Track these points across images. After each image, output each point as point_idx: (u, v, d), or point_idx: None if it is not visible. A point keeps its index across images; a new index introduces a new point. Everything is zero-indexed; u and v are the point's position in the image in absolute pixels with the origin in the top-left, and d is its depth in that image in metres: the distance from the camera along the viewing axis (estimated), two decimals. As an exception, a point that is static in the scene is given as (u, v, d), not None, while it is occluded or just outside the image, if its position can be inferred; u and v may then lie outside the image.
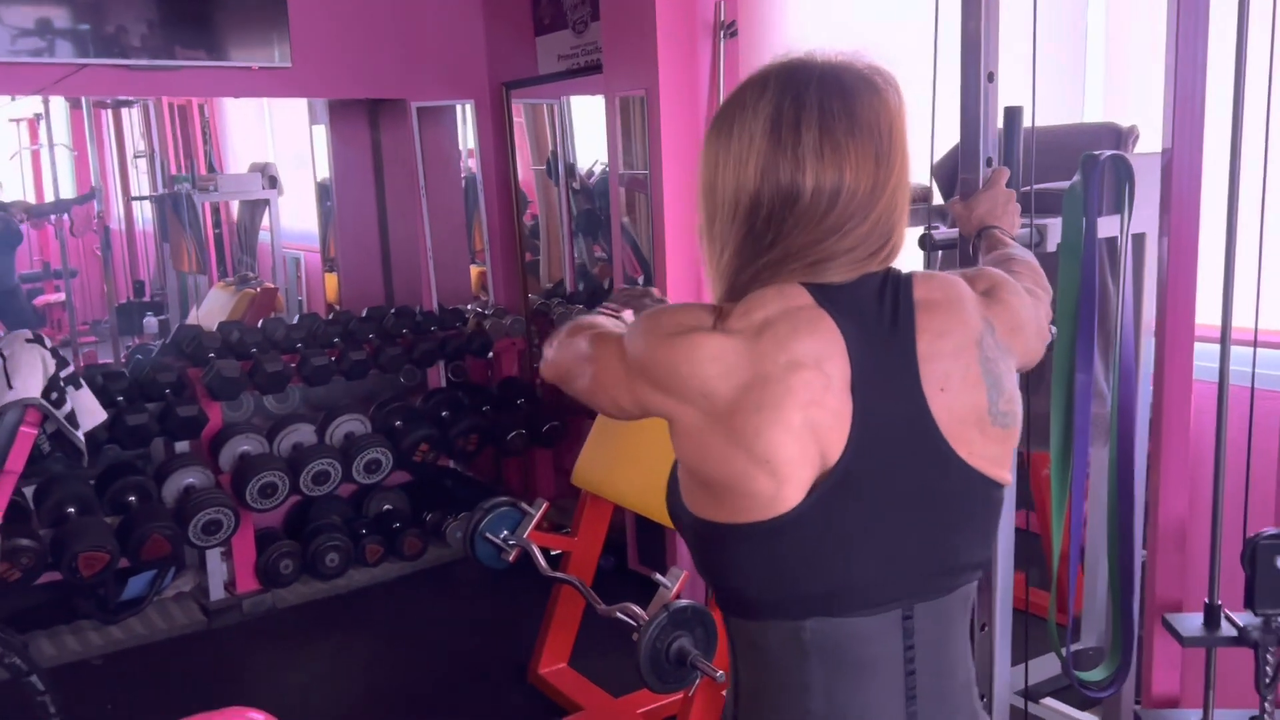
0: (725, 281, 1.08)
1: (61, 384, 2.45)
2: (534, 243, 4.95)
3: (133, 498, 3.62)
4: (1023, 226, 1.86)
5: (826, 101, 1.02)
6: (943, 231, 1.86)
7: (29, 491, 3.52)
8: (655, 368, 1.05)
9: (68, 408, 2.47)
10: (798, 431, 0.99)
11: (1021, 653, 1.97)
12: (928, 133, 1.71)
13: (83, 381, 2.55)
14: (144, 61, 3.90)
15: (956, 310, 1.07)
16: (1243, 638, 1.75)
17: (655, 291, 1.53)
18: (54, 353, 2.45)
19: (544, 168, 4.82)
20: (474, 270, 5.15)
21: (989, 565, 1.14)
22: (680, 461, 1.07)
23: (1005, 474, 1.09)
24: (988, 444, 1.06)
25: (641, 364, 1.07)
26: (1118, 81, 2.45)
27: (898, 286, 1.06)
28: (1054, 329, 1.64)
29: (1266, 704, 1.81)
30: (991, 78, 1.66)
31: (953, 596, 1.09)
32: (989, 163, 1.70)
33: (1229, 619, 1.80)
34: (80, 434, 2.56)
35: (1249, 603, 1.75)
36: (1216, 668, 1.90)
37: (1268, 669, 1.77)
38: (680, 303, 1.09)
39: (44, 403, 2.39)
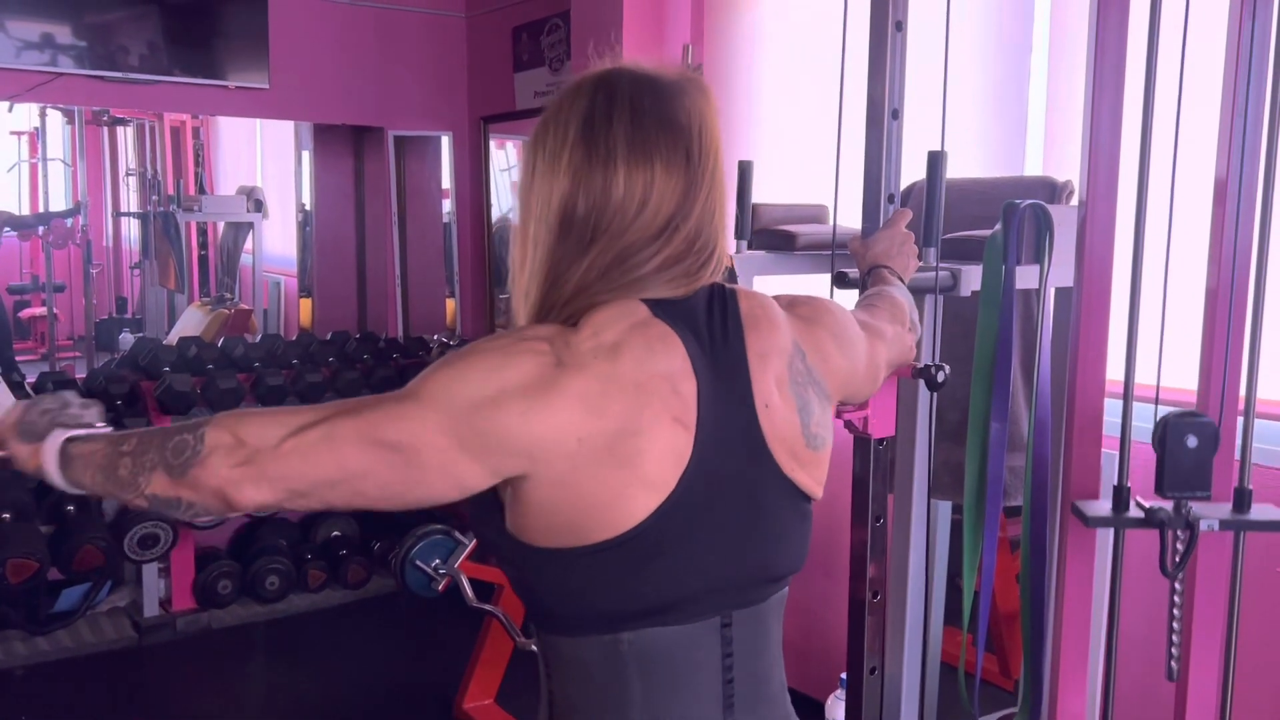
0: (538, 288, 1.04)
1: (-27, 378, 2.43)
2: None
3: (71, 507, 3.57)
4: (942, 270, 1.86)
5: (638, 98, 1.03)
6: (858, 272, 1.84)
7: (-35, 496, 3.49)
8: (517, 435, 0.95)
9: (-23, 402, 2.45)
10: (669, 447, 0.98)
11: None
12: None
13: (-1, 379, 2.54)
14: (118, 74, 3.93)
15: (774, 329, 1.07)
16: (1149, 519, 1.69)
17: (72, 396, 1.15)
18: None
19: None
20: (450, 303, 5.16)
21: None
22: (522, 500, 0.99)
23: (818, 489, 1.10)
24: (803, 463, 1.07)
25: (494, 435, 0.95)
26: (1057, 137, 2.45)
27: (725, 300, 1.06)
28: (946, 368, 1.62)
29: (1176, 590, 1.74)
30: (896, 115, 1.65)
31: (768, 603, 1.10)
32: (890, 200, 1.69)
33: (1138, 504, 1.74)
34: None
35: (1159, 487, 1.70)
36: (1124, 555, 1.82)
37: (1175, 555, 1.70)
38: (487, 346, 0.98)
39: (-49, 395, 2.37)
